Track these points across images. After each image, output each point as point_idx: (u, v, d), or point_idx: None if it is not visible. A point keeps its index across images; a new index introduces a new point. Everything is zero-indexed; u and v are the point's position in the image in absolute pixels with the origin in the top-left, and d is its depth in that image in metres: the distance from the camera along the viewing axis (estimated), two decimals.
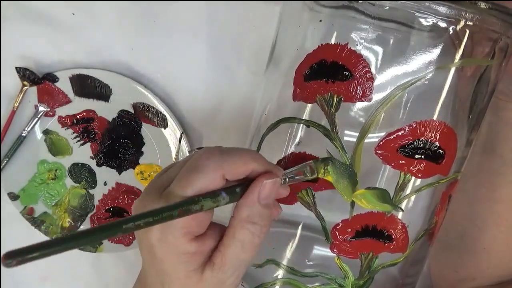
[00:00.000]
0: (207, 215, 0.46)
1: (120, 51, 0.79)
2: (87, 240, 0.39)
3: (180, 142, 0.80)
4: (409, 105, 0.50)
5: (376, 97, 0.49)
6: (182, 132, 0.80)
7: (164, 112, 0.79)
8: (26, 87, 0.77)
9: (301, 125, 0.54)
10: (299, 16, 0.56)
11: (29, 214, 0.84)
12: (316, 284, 0.57)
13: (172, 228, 0.45)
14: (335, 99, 0.50)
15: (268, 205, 0.48)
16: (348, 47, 0.49)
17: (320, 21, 0.52)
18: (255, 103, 0.64)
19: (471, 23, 0.47)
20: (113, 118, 0.81)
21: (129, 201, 0.84)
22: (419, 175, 0.51)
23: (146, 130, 0.81)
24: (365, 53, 0.49)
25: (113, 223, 0.40)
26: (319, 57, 0.50)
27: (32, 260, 0.34)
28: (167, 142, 0.81)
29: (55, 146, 0.82)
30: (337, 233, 0.54)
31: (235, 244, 0.48)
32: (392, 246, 0.54)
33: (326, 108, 0.51)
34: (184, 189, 0.45)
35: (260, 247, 0.50)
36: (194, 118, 0.82)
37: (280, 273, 0.59)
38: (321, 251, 0.57)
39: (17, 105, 0.78)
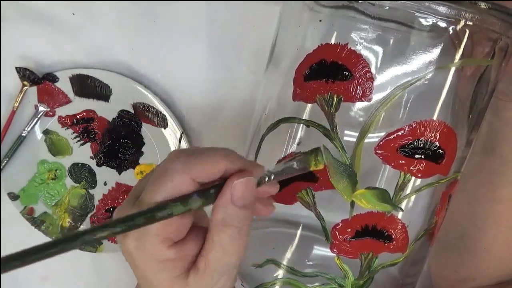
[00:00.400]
0: (185, 219, 0.45)
1: (120, 51, 0.79)
2: (42, 256, 0.38)
3: (180, 142, 0.80)
4: (409, 105, 0.50)
5: (376, 97, 0.49)
6: (182, 132, 0.80)
7: (164, 112, 0.79)
8: (26, 87, 0.77)
9: (301, 125, 0.54)
10: (299, 16, 0.56)
11: (29, 214, 0.84)
12: (316, 284, 0.57)
13: (148, 235, 0.43)
14: (335, 99, 0.50)
15: (246, 206, 0.45)
16: (348, 47, 0.49)
17: (320, 21, 0.52)
18: (255, 103, 0.64)
19: (471, 23, 0.47)
20: (113, 118, 0.81)
21: None
22: (419, 175, 0.51)
23: (146, 130, 0.81)
24: (365, 53, 0.49)
25: (72, 235, 0.39)
26: (319, 57, 0.50)
27: None
28: (167, 142, 0.81)
29: (55, 146, 0.82)
30: (337, 233, 0.53)
31: (216, 249, 0.45)
32: (392, 246, 0.54)
33: (326, 108, 0.51)
34: (152, 196, 0.43)
35: (258, 247, 0.50)
36: (194, 118, 0.82)
37: (280, 273, 0.59)
38: (321, 251, 0.57)
39: (17, 105, 0.78)
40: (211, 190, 0.45)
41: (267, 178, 0.47)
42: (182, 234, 0.45)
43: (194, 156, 0.45)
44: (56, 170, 0.83)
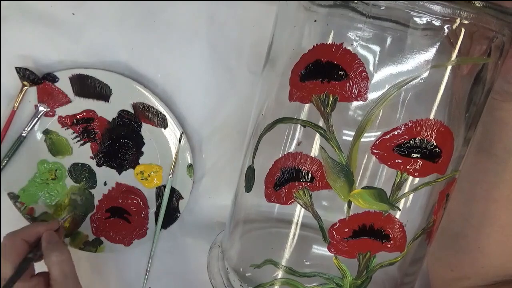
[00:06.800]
0: (31, 267, 0.71)
1: (120, 51, 0.79)
2: None
3: (180, 142, 0.80)
4: (405, 104, 0.50)
5: (373, 96, 0.49)
6: (182, 132, 0.80)
7: (164, 112, 0.79)
8: (26, 87, 0.78)
9: (299, 125, 0.54)
10: (294, 16, 0.56)
11: (29, 214, 0.84)
12: (315, 284, 0.57)
13: None
14: (331, 99, 0.50)
15: (58, 241, 0.73)
16: (343, 47, 0.49)
17: (315, 21, 0.52)
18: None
19: (467, 22, 0.47)
20: (113, 118, 0.81)
21: (129, 201, 0.84)
22: (416, 174, 0.51)
23: (146, 130, 0.81)
24: (361, 52, 0.49)
25: None
26: (314, 57, 0.50)
27: None
28: (167, 142, 0.81)
29: (55, 146, 0.82)
30: (334, 233, 0.53)
31: (52, 265, 0.69)
32: (389, 245, 0.54)
33: (322, 108, 0.51)
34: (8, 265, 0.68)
35: (257, 248, 0.50)
36: (194, 118, 0.83)
37: (278, 273, 0.59)
38: (319, 251, 0.57)
39: (17, 105, 0.78)
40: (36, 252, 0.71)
41: (62, 222, 0.80)
42: (33, 272, 0.72)
43: (18, 229, 0.74)
44: (56, 170, 0.83)
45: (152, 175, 0.83)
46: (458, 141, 0.53)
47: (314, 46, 0.50)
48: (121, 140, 0.82)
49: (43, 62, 0.79)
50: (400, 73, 0.49)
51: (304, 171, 0.53)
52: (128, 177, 0.84)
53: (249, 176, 0.61)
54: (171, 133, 0.80)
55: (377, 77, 0.49)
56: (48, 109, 0.79)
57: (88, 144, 0.83)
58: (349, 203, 0.52)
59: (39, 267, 0.72)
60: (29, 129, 0.79)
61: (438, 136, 0.50)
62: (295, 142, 0.56)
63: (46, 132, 0.81)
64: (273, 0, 0.71)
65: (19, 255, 0.70)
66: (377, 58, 0.49)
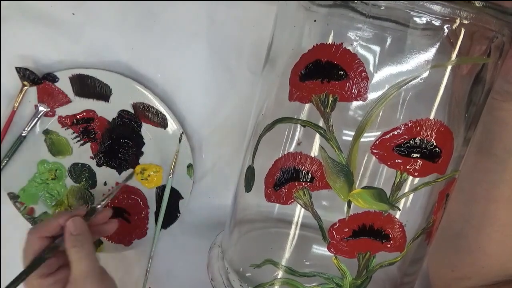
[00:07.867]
0: (50, 265, 0.68)
1: (120, 51, 0.79)
2: None
3: (180, 142, 0.80)
4: (405, 104, 0.50)
5: (373, 96, 0.49)
6: (182, 132, 0.80)
7: (164, 112, 0.79)
8: (26, 87, 0.78)
9: (299, 125, 0.54)
10: (294, 16, 0.56)
11: (29, 214, 0.84)
12: (314, 284, 0.57)
13: (31, 277, 0.67)
14: (331, 98, 0.50)
15: (79, 233, 0.69)
16: (343, 47, 0.49)
17: (315, 21, 0.52)
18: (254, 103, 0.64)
19: (466, 22, 0.47)
20: (113, 118, 0.81)
21: (129, 201, 0.84)
22: (416, 174, 0.51)
23: (146, 130, 0.81)
24: (361, 52, 0.49)
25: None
26: (314, 57, 0.50)
27: None
28: (167, 142, 0.81)
29: (55, 146, 0.82)
30: (334, 232, 0.53)
31: (72, 264, 0.68)
32: (389, 245, 0.54)
33: (322, 108, 0.51)
34: (24, 262, 0.68)
35: (257, 248, 0.50)
36: (194, 118, 0.83)
37: (278, 273, 0.59)
38: (319, 250, 0.57)
39: (17, 105, 0.78)
40: (55, 241, 0.69)
41: (99, 206, 0.75)
42: (53, 269, 0.69)
43: (39, 223, 0.74)
44: (56, 170, 0.83)
45: (152, 175, 0.83)
46: (458, 141, 0.53)
47: (314, 46, 0.50)
48: (121, 140, 0.82)
49: (43, 62, 0.79)
50: (400, 73, 0.49)
51: (304, 171, 0.53)
52: None
53: (249, 176, 0.61)
54: (171, 133, 0.80)
55: (377, 77, 0.49)
56: (48, 109, 0.79)
57: (88, 144, 0.83)
58: (349, 203, 0.52)
59: None
60: (29, 129, 0.79)
61: (438, 136, 0.50)
62: (295, 142, 0.56)
63: (46, 132, 0.81)
64: (273, 0, 0.71)
65: (34, 253, 0.67)
66: (377, 58, 0.49)
